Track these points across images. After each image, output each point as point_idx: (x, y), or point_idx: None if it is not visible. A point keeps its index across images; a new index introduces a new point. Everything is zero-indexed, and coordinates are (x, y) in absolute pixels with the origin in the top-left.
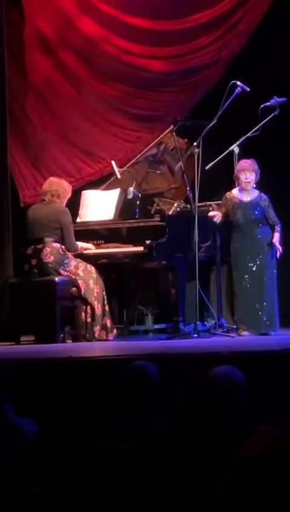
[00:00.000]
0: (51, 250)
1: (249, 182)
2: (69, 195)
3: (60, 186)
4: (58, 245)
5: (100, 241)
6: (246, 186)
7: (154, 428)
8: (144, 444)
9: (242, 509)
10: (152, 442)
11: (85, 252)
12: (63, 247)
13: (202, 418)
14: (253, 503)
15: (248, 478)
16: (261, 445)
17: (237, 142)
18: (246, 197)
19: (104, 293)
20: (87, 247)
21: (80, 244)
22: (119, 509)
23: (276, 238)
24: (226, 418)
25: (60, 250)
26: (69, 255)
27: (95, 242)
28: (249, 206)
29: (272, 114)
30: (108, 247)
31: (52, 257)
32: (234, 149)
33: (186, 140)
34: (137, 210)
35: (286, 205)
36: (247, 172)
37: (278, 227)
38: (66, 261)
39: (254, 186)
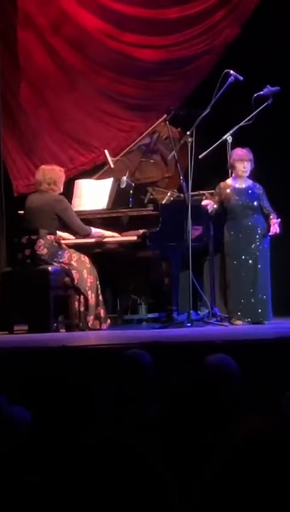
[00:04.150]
0: (45, 242)
1: (245, 171)
2: (63, 179)
3: (53, 173)
4: (52, 237)
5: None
6: (243, 175)
7: (148, 416)
8: (138, 431)
9: (237, 490)
10: (146, 430)
11: (78, 241)
12: (58, 236)
13: (196, 406)
14: (248, 484)
15: (242, 460)
16: (256, 428)
17: (230, 131)
18: (241, 184)
19: (97, 282)
20: (112, 235)
21: (99, 230)
22: (119, 495)
23: (276, 222)
24: (220, 407)
25: (54, 243)
26: (64, 246)
27: None
28: (244, 192)
29: (265, 103)
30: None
31: (45, 249)
32: (227, 138)
33: (179, 129)
34: (130, 199)
35: (278, 194)
36: (245, 161)
37: (273, 216)
38: (59, 253)
39: (248, 175)
